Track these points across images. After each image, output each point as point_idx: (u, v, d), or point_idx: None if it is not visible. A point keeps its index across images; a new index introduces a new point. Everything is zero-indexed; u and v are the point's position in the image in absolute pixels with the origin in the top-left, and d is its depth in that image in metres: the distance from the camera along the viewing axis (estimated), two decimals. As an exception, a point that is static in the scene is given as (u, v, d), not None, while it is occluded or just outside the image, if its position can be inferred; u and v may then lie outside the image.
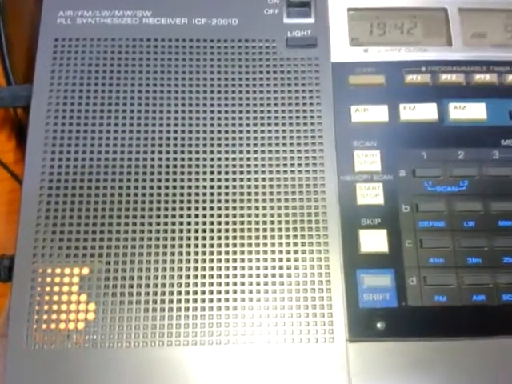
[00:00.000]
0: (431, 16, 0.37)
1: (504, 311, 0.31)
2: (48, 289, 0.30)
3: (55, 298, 0.30)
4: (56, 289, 0.30)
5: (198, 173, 0.32)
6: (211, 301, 0.30)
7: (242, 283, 0.30)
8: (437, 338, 0.30)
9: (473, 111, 0.34)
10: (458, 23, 0.37)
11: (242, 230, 0.31)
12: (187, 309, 0.30)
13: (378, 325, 0.30)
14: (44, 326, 0.29)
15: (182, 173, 0.32)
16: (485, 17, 0.38)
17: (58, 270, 0.30)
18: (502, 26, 0.38)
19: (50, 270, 0.30)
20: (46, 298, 0.30)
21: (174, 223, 0.31)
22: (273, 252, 0.31)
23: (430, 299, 0.31)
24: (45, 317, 0.29)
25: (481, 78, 0.35)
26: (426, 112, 0.34)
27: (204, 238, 0.31)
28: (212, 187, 0.32)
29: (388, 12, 0.37)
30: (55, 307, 0.30)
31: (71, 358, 0.29)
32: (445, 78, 0.35)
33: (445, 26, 0.37)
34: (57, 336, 0.29)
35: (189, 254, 0.31)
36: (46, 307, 0.30)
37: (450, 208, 0.32)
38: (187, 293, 0.30)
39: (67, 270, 0.30)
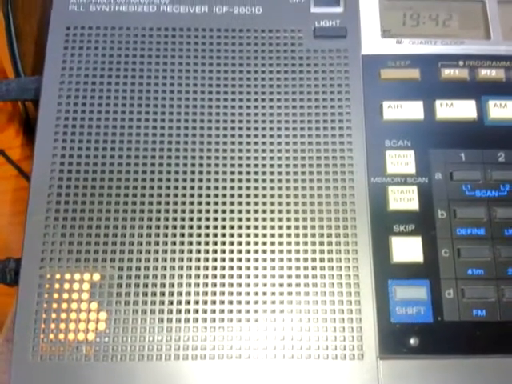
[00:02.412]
0: (468, 8, 0.35)
1: (548, 328, 0.28)
2: (56, 296, 0.28)
3: (64, 305, 0.28)
4: (65, 296, 0.28)
5: (217, 172, 0.30)
6: (231, 312, 0.28)
7: (264, 293, 0.28)
8: (475, 356, 0.28)
9: (514, 110, 0.32)
10: (496, 16, 0.35)
11: (264, 236, 0.29)
12: (205, 320, 0.28)
13: (412, 341, 0.28)
14: (51, 336, 0.27)
15: (201, 172, 0.30)
16: (525, 9, 0.35)
17: (67, 276, 0.28)
18: (542, 19, 0.35)
19: (58, 276, 0.28)
20: (54, 305, 0.28)
21: (191, 227, 0.29)
22: (297, 260, 0.29)
23: (467, 314, 0.29)
24: (52, 326, 0.27)
25: (523, 74, 0.33)
26: (464, 110, 0.32)
27: (223, 243, 0.29)
28: (232, 188, 0.30)
29: (422, 2, 0.35)
30: (64, 316, 0.27)
31: (80, 371, 0.27)
32: (484, 73, 0.33)
33: (482, 18, 0.35)
34: (65, 347, 0.27)
35: (207, 259, 0.29)
36: (53, 316, 0.27)
37: (490, 214, 0.30)
38: (205, 302, 0.28)
39: (77, 276, 0.28)
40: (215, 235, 0.29)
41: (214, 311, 0.28)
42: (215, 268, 0.28)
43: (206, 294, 0.28)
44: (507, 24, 0.35)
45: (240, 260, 0.29)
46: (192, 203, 0.29)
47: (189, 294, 0.28)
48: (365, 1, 0.34)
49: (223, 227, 0.29)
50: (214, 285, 0.28)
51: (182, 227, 0.29)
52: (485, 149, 0.31)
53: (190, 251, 0.29)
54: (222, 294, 0.28)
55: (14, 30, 0.41)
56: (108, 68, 0.32)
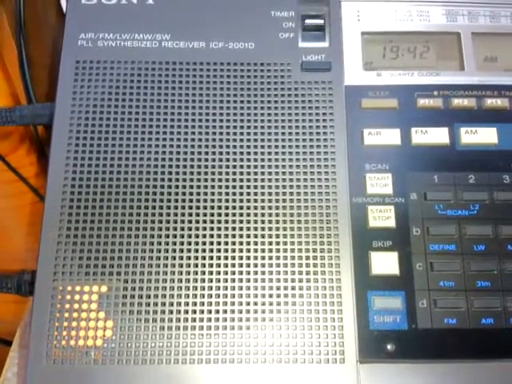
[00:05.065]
0: (444, 40, 0.38)
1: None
2: (68, 306, 0.31)
3: (75, 315, 0.31)
4: (75, 306, 0.31)
5: (213, 193, 0.33)
6: (225, 320, 0.31)
7: (255, 303, 0.31)
8: (446, 360, 0.31)
9: (484, 135, 0.35)
10: (470, 47, 0.38)
11: (255, 251, 0.32)
12: (201, 327, 0.31)
13: (389, 347, 0.31)
14: (63, 343, 0.30)
15: (198, 193, 0.33)
16: (497, 41, 0.38)
17: (77, 288, 0.31)
18: (513, 50, 0.38)
19: (70, 288, 0.31)
20: (66, 315, 0.31)
21: (189, 243, 0.32)
22: (285, 273, 0.32)
23: (439, 322, 0.31)
24: (64, 333, 0.30)
25: (492, 102, 0.36)
26: (437, 136, 0.35)
27: (219, 258, 0.32)
28: (227, 208, 0.33)
29: (401, 36, 0.38)
30: (74, 324, 0.31)
31: (89, 374, 0.30)
32: (457, 102, 0.36)
33: (457, 50, 0.38)
34: (76, 352, 0.30)
35: (204, 273, 0.32)
36: (65, 324, 0.31)
37: (460, 232, 0.33)
38: (202, 312, 0.31)
39: (86, 288, 0.31)
40: (211, 251, 0.32)
41: (210, 320, 0.31)
42: (211, 281, 0.32)
43: (202, 304, 0.31)
44: (480, 55, 0.38)
45: (233, 273, 0.32)
46: (190, 222, 0.33)
47: (187, 304, 0.31)
48: (348, 35, 0.37)
49: (218, 243, 0.32)
50: (210, 296, 0.31)
51: (182, 244, 0.32)
52: (456, 172, 0.34)
53: (188, 265, 0.32)
54: (218, 304, 0.31)
55: (26, 58, 0.44)
56: (115, 98, 0.35)
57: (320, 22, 0.37)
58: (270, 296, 0.31)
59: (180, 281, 0.31)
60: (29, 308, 0.41)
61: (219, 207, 0.33)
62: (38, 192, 0.47)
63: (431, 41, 0.38)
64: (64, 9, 0.43)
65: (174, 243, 0.32)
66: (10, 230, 0.52)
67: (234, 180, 0.34)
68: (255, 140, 0.34)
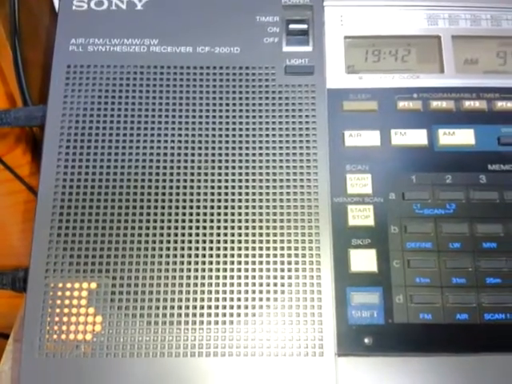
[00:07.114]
0: (425, 43, 0.39)
1: (486, 330, 0.32)
2: (59, 302, 0.32)
3: (65, 310, 0.32)
4: (66, 302, 0.32)
5: (199, 193, 0.35)
6: (209, 315, 0.32)
7: (239, 299, 0.33)
8: (421, 354, 0.32)
9: (461, 137, 0.36)
10: (450, 50, 0.39)
11: (239, 249, 0.33)
12: (187, 322, 0.32)
13: (366, 340, 0.32)
14: (55, 337, 0.32)
15: (185, 193, 0.34)
16: (477, 44, 0.39)
17: (68, 285, 0.32)
18: (493, 53, 0.39)
19: (61, 285, 0.32)
20: (57, 310, 0.32)
21: (176, 241, 0.33)
22: (268, 269, 0.33)
23: (415, 317, 0.33)
24: (56, 328, 0.32)
25: (470, 104, 0.37)
26: (416, 137, 0.36)
27: (204, 256, 0.33)
28: (212, 207, 0.34)
29: (383, 39, 0.39)
30: (65, 319, 0.32)
31: (79, 366, 0.31)
32: (435, 104, 0.37)
33: (438, 53, 0.39)
34: (66, 346, 0.32)
35: (189, 270, 0.33)
36: (56, 319, 0.32)
37: (436, 230, 0.34)
38: (187, 307, 0.32)
39: (77, 285, 0.32)
40: (197, 248, 0.33)
41: (194, 315, 0.32)
42: (196, 277, 0.33)
43: (188, 299, 0.32)
44: (460, 58, 0.39)
45: (218, 270, 0.33)
46: (177, 221, 0.34)
47: (173, 300, 0.32)
48: (331, 39, 0.38)
49: (204, 242, 0.34)
50: (196, 292, 0.33)
51: (168, 242, 0.33)
52: (434, 172, 0.35)
53: (175, 263, 0.33)
54: (202, 300, 0.32)
55: (21, 60, 0.45)
56: (104, 102, 0.36)
57: (304, 26, 0.38)
58: (253, 292, 0.33)
59: (166, 277, 0.33)
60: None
61: (205, 207, 0.34)
62: (34, 190, 0.49)
63: (412, 44, 0.39)
64: (57, 9, 0.44)
65: (161, 241, 0.33)
66: (6, 227, 0.53)
67: (220, 181, 0.35)
68: (240, 142, 0.36)
